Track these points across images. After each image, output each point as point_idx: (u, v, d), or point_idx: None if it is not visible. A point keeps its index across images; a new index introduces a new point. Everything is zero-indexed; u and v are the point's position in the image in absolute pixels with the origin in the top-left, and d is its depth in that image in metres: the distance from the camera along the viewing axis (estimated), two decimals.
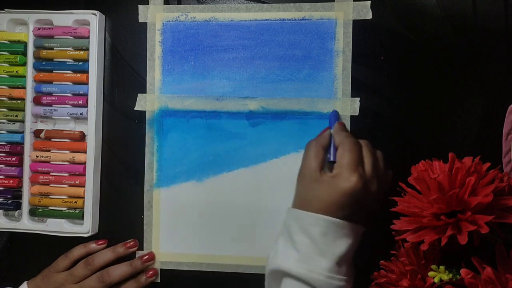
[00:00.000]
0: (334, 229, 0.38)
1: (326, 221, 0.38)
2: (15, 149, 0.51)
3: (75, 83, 0.51)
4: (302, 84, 0.49)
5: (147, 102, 0.51)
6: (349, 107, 0.48)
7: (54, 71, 0.51)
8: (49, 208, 0.51)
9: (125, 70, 0.51)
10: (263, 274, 0.49)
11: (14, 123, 0.51)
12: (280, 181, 0.49)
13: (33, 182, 0.51)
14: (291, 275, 0.38)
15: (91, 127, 0.50)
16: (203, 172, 0.50)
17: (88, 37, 0.50)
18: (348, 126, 0.48)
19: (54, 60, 0.51)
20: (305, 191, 0.40)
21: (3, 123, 0.51)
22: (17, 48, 0.51)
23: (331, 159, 0.42)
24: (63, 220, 0.50)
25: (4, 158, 0.51)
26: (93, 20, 0.49)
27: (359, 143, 0.42)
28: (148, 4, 0.51)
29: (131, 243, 0.50)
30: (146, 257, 0.50)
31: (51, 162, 0.51)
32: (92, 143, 0.50)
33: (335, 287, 0.38)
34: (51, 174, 0.51)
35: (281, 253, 0.40)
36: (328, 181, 0.39)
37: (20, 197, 0.51)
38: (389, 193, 0.41)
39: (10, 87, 0.52)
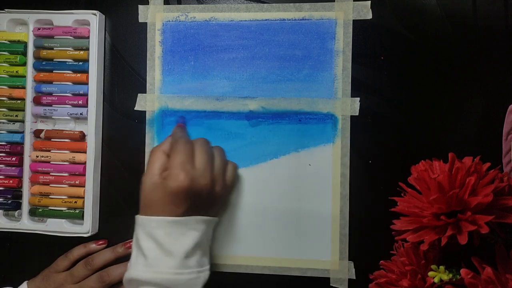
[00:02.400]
0: (177, 227, 0.40)
1: (167, 222, 0.40)
2: (15, 149, 0.51)
3: (75, 83, 0.51)
4: (302, 84, 0.49)
5: (147, 102, 0.51)
6: (349, 107, 0.48)
7: (54, 71, 0.51)
8: (49, 208, 0.51)
9: (125, 70, 0.51)
10: (263, 274, 0.49)
11: (14, 123, 0.51)
12: (280, 181, 0.49)
13: (33, 182, 0.51)
14: (142, 281, 0.40)
15: (91, 127, 0.50)
16: None
17: (88, 37, 0.50)
18: (348, 126, 0.48)
19: (54, 60, 0.51)
20: (145, 197, 0.42)
21: (3, 123, 0.51)
22: (17, 48, 0.51)
23: None
24: (63, 220, 0.50)
25: (4, 158, 0.51)
26: (93, 20, 0.49)
27: (190, 142, 0.44)
28: (148, 4, 0.51)
29: (131, 243, 0.50)
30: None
31: (51, 162, 0.51)
32: (92, 143, 0.50)
33: (187, 281, 0.40)
34: (51, 174, 0.51)
35: (132, 262, 0.42)
36: (161, 183, 0.41)
37: (20, 197, 0.51)
38: (235, 182, 0.47)
39: (10, 87, 0.52)
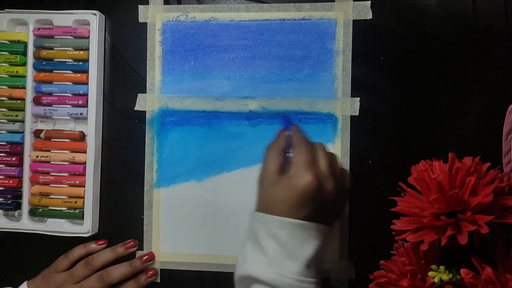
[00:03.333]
0: (300, 231, 0.38)
1: (291, 224, 0.38)
2: (15, 149, 0.51)
3: (75, 83, 0.51)
4: (302, 84, 0.49)
5: (147, 102, 0.51)
6: (349, 107, 0.48)
7: (54, 71, 0.51)
8: (49, 208, 0.51)
9: (125, 70, 0.51)
10: None
11: (14, 123, 0.51)
12: None
13: (33, 182, 0.51)
14: (261, 280, 0.37)
15: (91, 127, 0.50)
16: (203, 172, 0.50)
17: (88, 37, 0.50)
18: (348, 126, 0.48)
19: (54, 60, 0.51)
20: (266, 194, 0.40)
21: (3, 123, 0.51)
22: (17, 48, 0.51)
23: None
24: (63, 220, 0.50)
25: (4, 158, 0.51)
26: (93, 20, 0.49)
27: (314, 144, 0.42)
28: (148, 4, 0.51)
29: (131, 243, 0.50)
30: (146, 257, 0.50)
31: (51, 162, 0.51)
32: (92, 143, 0.50)
33: None
34: (51, 174, 0.51)
35: (249, 258, 0.39)
36: (285, 182, 0.39)
37: (20, 197, 0.51)
38: (349, 192, 0.42)
39: (10, 87, 0.52)
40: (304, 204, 0.38)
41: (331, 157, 0.41)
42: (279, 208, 0.38)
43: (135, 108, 0.51)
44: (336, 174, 0.41)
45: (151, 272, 0.50)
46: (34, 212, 0.51)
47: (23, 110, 0.51)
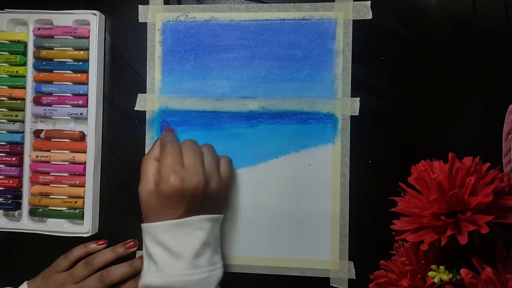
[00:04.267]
0: (182, 229, 0.41)
1: (170, 225, 0.40)
2: (15, 149, 0.51)
3: (75, 83, 0.51)
4: (302, 84, 0.49)
5: (147, 102, 0.51)
6: (349, 107, 0.48)
7: (54, 71, 0.51)
8: (49, 208, 0.51)
9: (125, 70, 0.51)
10: (263, 274, 0.49)
11: (14, 123, 0.51)
12: (280, 181, 0.49)
13: (33, 182, 0.51)
14: (156, 287, 0.40)
15: (91, 127, 0.50)
16: None
17: (88, 37, 0.50)
18: (348, 126, 0.48)
19: (54, 60, 0.51)
20: (146, 205, 0.42)
21: (3, 123, 0.51)
22: (17, 48, 0.51)
23: None
24: (63, 220, 0.50)
25: (4, 158, 0.51)
26: (93, 20, 0.49)
27: (177, 144, 0.43)
28: (148, 4, 0.51)
29: (131, 243, 0.50)
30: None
31: (51, 162, 0.51)
32: (92, 143, 0.50)
33: (199, 280, 0.40)
34: (51, 174, 0.51)
35: (145, 270, 0.42)
36: (155, 190, 0.41)
37: (20, 197, 0.51)
38: (230, 177, 0.46)
39: (10, 87, 0.52)
40: (175, 204, 0.41)
41: (197, 150, 0.43)
42: (157, 215, 0.41)
43: (135, 108, 0.51)
44: (205, 165, 0.43)
45: None
46: (34, 212, 0.51)
47: (23, 110, 0.51)
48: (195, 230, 0.41)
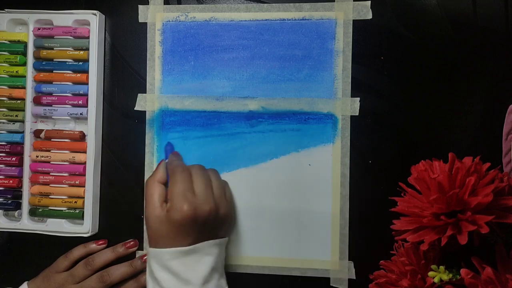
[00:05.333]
0: (192, 256, 0.40)
1: (180, 252, 0.40)
2: (15, 149, 0.51)
3: (75, 83, 0.51)
4: (302, 84, 0.49)
5: (147, 102, 0.51)
6: (349, 107, 0.48)
7: (54, 71, 0.51)
8: (49, 208, 0.51)
9: (125, 70, 0.51)
10: (263, 274, 0.49)
11: (14, 123, 0.51)
12: (280, 181, 0.49)
13: (33, 182, 0.51)
14: None
15: (91, 127, 0.50)
16: None
17: (88, 37, 0.50)
18: (348, 126, 0.48)
19: (54, 60, 0.51)
20: (154, 230, 0.41)
21: (3, 123, 0.51)
22: (17, 48, 0.51)
23: None
24: (63, 220, 0.50)
25: (4, 158, 0.51)
26: (93, 20, 0.49)
27: (188, 170, 0.43)
28: (148, 4, 0.51)
29: (131, 243, 0.50)
30: (146, 257, 0.50)
31: (51, 162, 0.51)
32: (92, 143, 0.50)
33: None
34: (51, 174, 0.51)
35: None
36: (165, 216, 0.40)
37: (20, 197, 0.51)
38: (233, 200, 0.47)
39: (10, 87, 0.52)
40: (186, 233, 0.40)
41: (207, 177, 0.43)
42: (166, 241, 0.40)
43: (135, 108, 0.51)
44: (216, 192, 0.43)
45: None
46: (34, 212, 0.51)
47: (23, 110, 0.51)
48: (203, 256, 0.41)
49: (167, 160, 0.46)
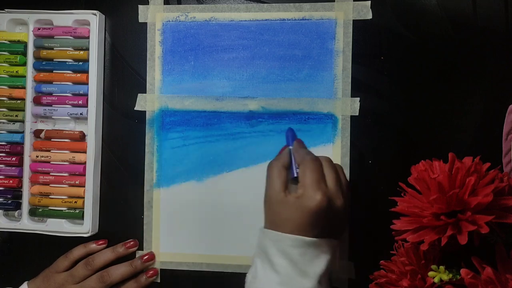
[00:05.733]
0: (312, 249, 0.38)
1: (304, 242, 0.38)
2: (15, 149, 0.51)
3: (75, 83, 0.51)
4: (302, 84, 0.49)
5: (147, 102, 0.51)
6: (349, 107, 0.48)
7: (54, 71, 0.51)
8: (49, 208, 0.51)
9: (125, 70, 0.51)
10: None
11: (14, 123, 0.51)
12: None
13: (33, 182, 0.51)
14: None
15: (91, 127, 0.50)
16: (203, 172, 0.50)
17: (88, 37, 0.50)
18: (348, 126, 0.48)
19: (54, 60, 0.51)
20: (275, 213, 0.40)
21: (3, 123, 0.51)
22: (17, 48, 0.51)
23: (294, 175, 0.42)
24: (63, 220, 0.50)
25: (4, 158, 0.51)
26: (93, 20, 0.49)
27: (319, 160, 0.41)
28: (148, 4, 0.51)
29: (131, 243, 0.50)
30: (146, 257, 0.50)
31: (51, 162, 0.51)
32: (92, 143, 0.50)
33: None
34: (51, 174, 0.51)
35: (260, 276, 0.39)
36: (294, 202, 0.39)
37: (20, 197, 0.51)
38: (350, 203, 0.43)
39: (10, 87, 0.52)
40: (315, 223, 0.38)
41: (337, 171, 0.41)
42: (290, 227, 0.38)
43: (135, 108, 0.51)
44: (343, 188, 0.41)
45: (151, 272, 0.50)
46: (34, 212, 0.51)
47: (23, 110, 0.51)
48: (322, 253, 0.39)
49: (291, 147, 0.44)
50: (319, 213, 0.38)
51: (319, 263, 0.38)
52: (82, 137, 0.51)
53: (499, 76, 0.46)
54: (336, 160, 0.48)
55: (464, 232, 0.32)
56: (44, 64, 0.51)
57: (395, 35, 0.48)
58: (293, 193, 0.39)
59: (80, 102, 0.50)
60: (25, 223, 0.51)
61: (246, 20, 0.50)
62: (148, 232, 0.51)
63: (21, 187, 0.51)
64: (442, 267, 0.35)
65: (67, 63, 0.51)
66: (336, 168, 0.42)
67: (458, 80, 0.47)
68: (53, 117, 0.51)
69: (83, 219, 0.50)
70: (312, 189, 0.38)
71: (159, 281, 0.51)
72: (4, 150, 0.51)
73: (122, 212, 0.51)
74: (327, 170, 0.41)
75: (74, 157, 0.50)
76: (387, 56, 0.48)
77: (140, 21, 0.51)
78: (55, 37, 0.51)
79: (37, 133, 0.51)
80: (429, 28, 0.47)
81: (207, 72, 0.50)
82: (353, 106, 0.48)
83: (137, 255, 0.51)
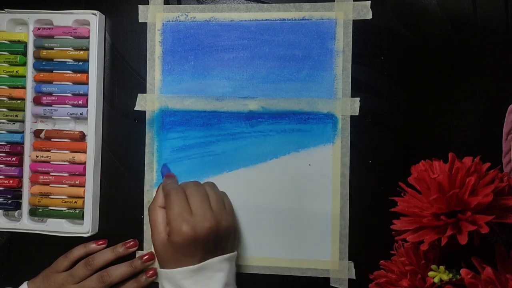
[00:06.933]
0: (203, 273, 0.40)
1: (191, 271, 0.40)
2: (15, 149, 0.51)
3: (75, 83, 0.51)
4: (302, 84, 0.49)
5: (147, 102, 0.51)
6: (349, 107, 0.48)
7: (54, 71, 0.51)
8: (49, 208, 0.51)
9: (125, 70, 0.51)
10: (263, 274, 0.49)
11: (14, 123, 0.51)
12: (280, 181, 0.49)
13: (33, 182, 0.51)
14: None
15: (91, 127, 0.50)
16: (203, 172, 0.50)
17: (88, 37, 0.50)
18: (348, 126, 0.48)
19: (54, 60, 0.51)
20: (162, 254, 0.42)
21: (3, 123, 0.51)
22: (17, 48, 0.51)
23: None
24: (63, 220, 0.50)
25: (4, 158, 0.51)
26: (93, 20, 0.49)
27: (181, 190, 0.43)
28: (148, 4, 0.51)
29: (131, 243, 0.50)
30: (146, 257, 0.50)
31: (51, 162, 0.51)
32: (92, 143, 0.50)
33: None
34: (51, 174, 0.51)
35: None
36: (169, 240, 0.41)
37: (20, 197, 0.51)
38: (233, 211, 0.46)
39: (10, 87, 0.52)
40: (191, 253, 0.40)
41: (203, 193, 0.43)
42: (175, 264, 0.41)
43: (135, 108, 0.51)
44: (212, 206, 0.43)
45: (151, 272, 0.50)
46: (34, 212, 0.51)
47: (23, 110, 0.51)
48: (215, 272, 0.41)
49: (161, 184, 0.46)
50: (189, 243, 0.40)
51: (214, 283, 0.40)
52: (82, 137, 0.51)
53: (499, 76, 0.46)
54: (336, 160, 0.48)
55: (464, 232, 0.32)
56: (44, 64, 0.51)
57: (395, 35, 0.48)
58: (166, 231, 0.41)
59: (80, 102, 0.50)
60: (25, 223, 0.51)
61: (246, 20, 0.50)
62: (148, 232, 0.51)
63: (21, 187, 0.51)
64: (442, 267, 0.35)
65: (67, 63, 0.51)
66: (202, 191, 0.43)
67: (458, 80, 0.47)
68: (53, 117, 0.51)
69: (83, 219, 0.50)
70: (176, 223, 0.40)
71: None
72: (4, 150, 0.51)
73: (122, 212, 0.51)
74: (191, 196, 0.42)
75: (74, 157, 0.50)
76: (387, 56, 0.48)
77: (140, 21, 0.51)
78: (55, 37, 0.51)
79: (37, 133, 0.51)
80: (429, 28, 0.47)
81: (207, 72, 0.50)
82: (353, 106, 0.48)
83: (137, 255, 0.51)
